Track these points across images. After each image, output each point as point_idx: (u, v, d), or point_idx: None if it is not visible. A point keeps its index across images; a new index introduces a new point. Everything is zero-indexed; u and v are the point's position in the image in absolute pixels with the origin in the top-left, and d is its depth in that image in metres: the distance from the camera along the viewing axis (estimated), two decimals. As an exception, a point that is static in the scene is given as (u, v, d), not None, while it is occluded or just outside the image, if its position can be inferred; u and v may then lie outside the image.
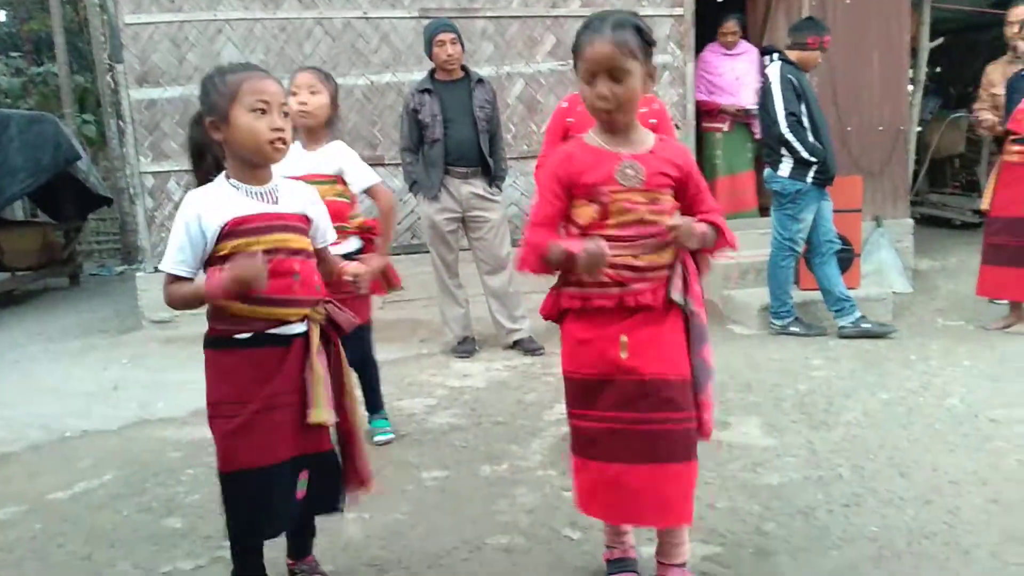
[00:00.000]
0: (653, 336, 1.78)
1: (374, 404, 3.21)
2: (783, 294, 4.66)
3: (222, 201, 1.74)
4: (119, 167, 10.07)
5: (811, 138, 4.37)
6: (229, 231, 1.71)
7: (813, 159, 4.36)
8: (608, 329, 1.79)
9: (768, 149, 4.61)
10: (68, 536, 2.46)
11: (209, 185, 1.79)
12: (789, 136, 4.36)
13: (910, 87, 6.70)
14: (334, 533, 2.36)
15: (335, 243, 2.55)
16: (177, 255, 1.75)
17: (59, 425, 3.59)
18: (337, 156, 2.85)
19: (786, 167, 4.44)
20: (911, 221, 6.31)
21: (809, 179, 4.40)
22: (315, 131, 2.86)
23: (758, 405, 3.42)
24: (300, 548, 2.04)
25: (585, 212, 1.80)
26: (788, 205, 4.51)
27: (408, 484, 2.73)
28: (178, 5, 5.10)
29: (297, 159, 2.71)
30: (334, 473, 1.90)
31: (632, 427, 1.75)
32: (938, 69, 10.24)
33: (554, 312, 1.91)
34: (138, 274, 5.44)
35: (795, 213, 4.49)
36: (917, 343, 4.39)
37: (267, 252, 1.71)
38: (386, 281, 2.97)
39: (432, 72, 4.33)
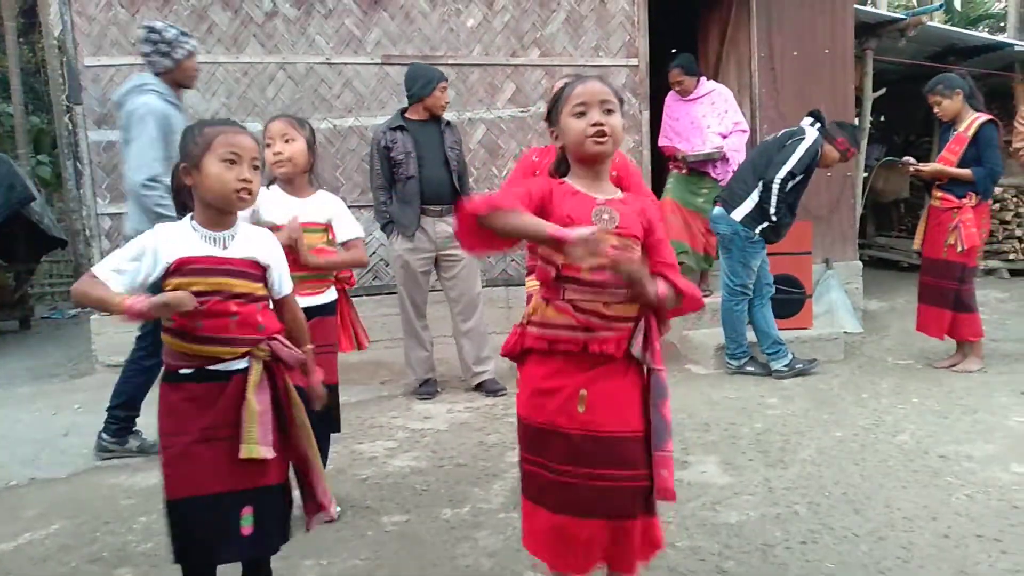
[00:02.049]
0: (611, 391, 1.78)
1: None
2: (738, 336, 4.76)
3: (178, 240, 1.83)
4: (75, 208, 9.90)
5: (786, 206, 4.48)
6: (175, 268, 1.80)
7: (773, 219, 4.47)
8: (568, 380, 1.78)
9: (732, 190, 4.69)
10: (12, 589, 2.37)
11: (176, 223, 1.89)
12: (776, 185, 4.42)
13: (856, 135, 6.97)
14: (292, 580, 2.32)
15: (316, 292, 2.71)
16: (118, 265, 1.81)
17: (4, 473, 3.46)
18: (328, 205, 2.82)
19: (742, 212, 4.55)
20: (860, 263, 6.52)
21: (758, 231, 4.53)
22: (297, 178, 2.77)
23: (716, 444, 3.47)
24: None
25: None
26: (736, 253, 4.62)
27: (368, 529, 2.69)
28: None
29: (285, 207, 2.68)
30: (279, 508, 1.92)
31: (583, 482, 1.75)
32: (882, 118, 10.70)
33: (516, 350, 1.89)
34: (92, 317, 5.32)
35: (745, 261, 4.61)
36: (868, 381, 4.51)
37: (208, 293, 1.79)
38: (355, 339, 2.95)
39: (403, 111, 4.39)
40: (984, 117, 4.45)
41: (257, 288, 1.89)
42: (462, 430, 3.85)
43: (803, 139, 4.49)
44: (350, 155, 5.42)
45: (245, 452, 1.79)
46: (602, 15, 5.73)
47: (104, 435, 3.59)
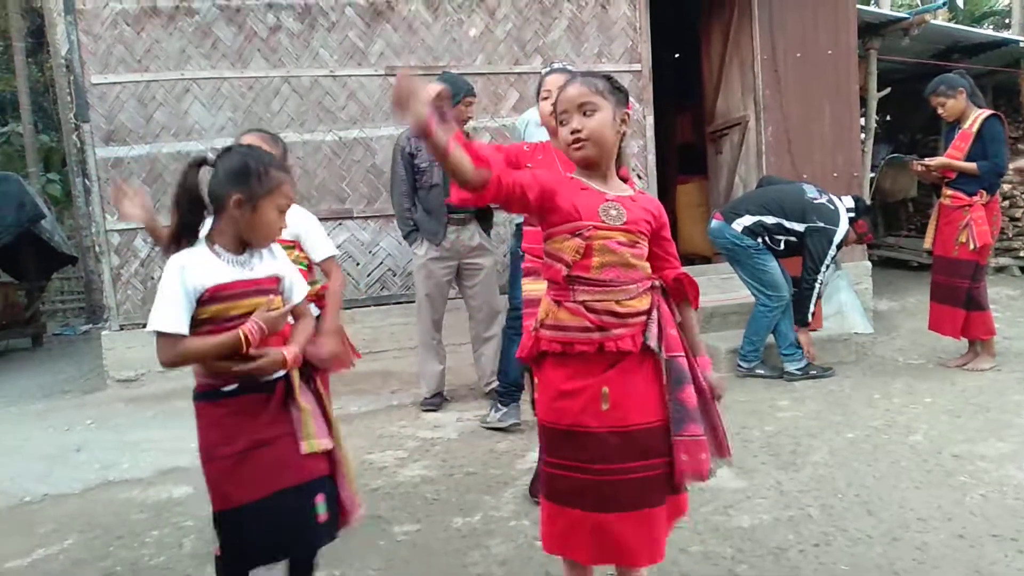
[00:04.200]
0: (632, 384, 1.78)
1: None
2: (758, 340, 4.71)
3: (204, 267, 1.83)
4: (84, 225, 9.98)
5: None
6: (210, 297, 1.81)
7: (805, 316, 4.59)
8: (589, 380, 1.78)
9: (737, 207, 4.72)
10: (27, 605, 2.39)
11: (191, 250, 1.86)
12: (817, 288, 4.58)
13: (861, 135, 6.97)
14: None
15: None
16: (175, 314, 1.79)
17: (18, 489, 3.48)
18: (296, 221, 2.59)
19: (742, 224, 4.57)
20: (869, 264, 6.49)
21: (758, 240, 4.57)
22: None
23: (728, 448, 3.45)
24: None
25: (569, 246, 1.77)
26: (746, 261, 4.61)
27: (379, 539, 2.69)
28: (145, 65, 5.15)
29: None
30: (335, 496, 1.98)
31: (614, 478, 1.75)
32: (887, 117, 10.67)
33: (532, 354, 1.88)
34: (103, 333, 5.36)
35: (760, 266, 4.58)
36: (880, 382, 4.49)
37: (244, 315, 1.83)
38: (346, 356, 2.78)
39: None
40: (988, 112, 4.45)
41: (284, 301, 1.97)
42: (472, 438, 3.84)
43: (834, 232, 4.55)
44: (355, 166, 5.44)
45: (307, 448, 1.87)
46: (604, 21, 5.75)
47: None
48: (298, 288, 2.02)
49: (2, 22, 12.62)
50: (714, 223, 4.72)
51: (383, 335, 5.39)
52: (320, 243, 2.73)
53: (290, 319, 1.98)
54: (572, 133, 1.81)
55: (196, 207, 1.86)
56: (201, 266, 1.82)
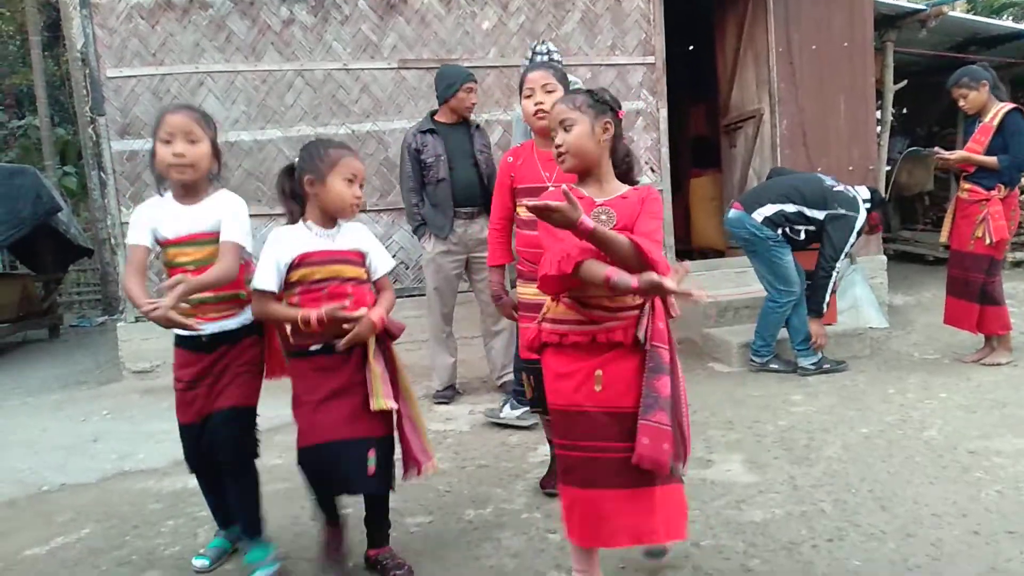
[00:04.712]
0: (623, 371, 1.91)
1: (246, 523, 2.44)
2: (769, 336, 4.68)
3: (295, 239, 2.24)
4: (100, 218, 10.07)
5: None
6: (298, 262, 2.21)
7: (820, 305, 4.54)
8: (583, 363, 1.93)
9: (756, 196, 4.66)
10: (45, 593, 2.42)
11: (288, 226, 2.29)
12: (834, 277, 4.53)
13: (877, 128, 6.90)
14: (317, 582, 2.34)
15: (226, 315, 2.32)
16: (266, 275, 2.20)
17: (36, 479, 3.53)
18: (221, 206, 2.34)
19: (762, 214, 4.51)
20: (884, 258, 6.44)
21: (778, 232, 4.51)
22: (195, 185, 2.33)
23: (740, 442, 3.45)
24: (378, 538, 2.41)
25: None
26: (763, 253, 4.56)
27: (392, 530, 2.69)
28: (159, 58, 5.18)
29: (175, 217, 2.30)
30: (390, 455, 2.31)
31: (603, 455, 1.89)
32: (904, 110, 10.57)
33: (535, 345, 2.06)
34: (119, 324, 5.40)
35: (776, 258, 4.53)
36: (894, 377, 4.46)
37: (327, 279, 2.22)
38: (275, 363, 2.48)
39: (432, 114, 4.41)
40: (1009, 106, 4.39)
41: (362, 273, 2.31)
42: (484, 431, 3.85)
43: (855, 219, 4.50)
44: (368, 160, 5.45)
45: (375, 405, 2.18)
46: (617, 14, 5.72)
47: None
48: (383, 263, 2.37)
49: (19, 16, 12.72)
50: (733, 213, 4.67)
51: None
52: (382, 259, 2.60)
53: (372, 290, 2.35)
54: (556, 148, 2.02)
55: (290, 200, 2.29)
56: (291, 238, 2.23)
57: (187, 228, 2.30)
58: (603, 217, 1.92)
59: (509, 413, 3.90)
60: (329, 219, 2.28)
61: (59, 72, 13.21)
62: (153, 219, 2.31)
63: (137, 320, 5.22)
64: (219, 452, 2.32)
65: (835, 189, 4.58)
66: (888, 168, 7.66)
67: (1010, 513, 2.57)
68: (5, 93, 13.99)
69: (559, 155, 2.01)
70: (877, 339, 5.38)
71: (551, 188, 2.35)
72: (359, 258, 2.31)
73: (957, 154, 4.54)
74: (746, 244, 4.67)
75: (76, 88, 10.21)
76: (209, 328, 2.31)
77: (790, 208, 4.52)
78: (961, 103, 4.52)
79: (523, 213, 2.53)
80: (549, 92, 2.61)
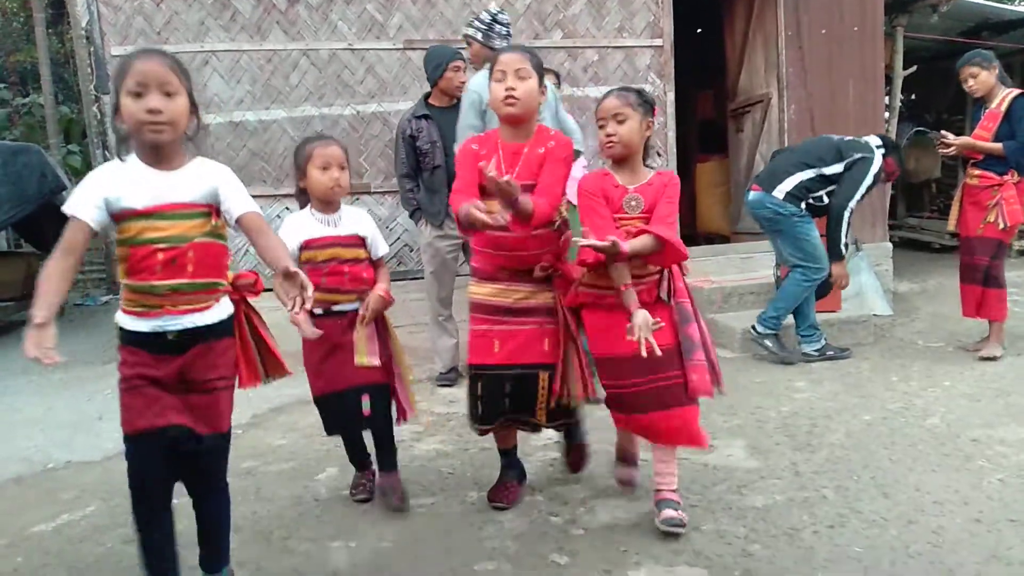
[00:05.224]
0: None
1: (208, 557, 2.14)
2: (783, 309, 4.55)
3: (300, 227, 2.60)
4: (104, 197, 10.02)
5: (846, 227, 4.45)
6: (304, 246, 2.57)
7: (838, 247, 4.43)
8: (618, 319, 2.35)
9: (772, 173, 4.56)
10: (51, 569, 2.44)
11: (299, 213, 2.68)
12: (847, 216, 4.40)
13: (886, 114, 6.85)
14: (321, 562, 2.35)
15: (201, 308, 1.91)
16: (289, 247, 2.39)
17: (42, 457, 3.55)
18: (208, 176, 1.94)
19: (783, 190, 4.42)
20: (890, 245, 6.42)
21: (802, 206, 4.42)
22: (170, 146, 1.89)
23: (742, 427, 3.45)
24: (385, 462, 2.77)
25: None
26: (788, 230, 4.46)
27: (395, 512, 2.72)
28: (164, 37, 5.14)
29: (146, 184, 1.85)
30: (385, 399, 2.70)
31: (645, 387, 2.36)
32: (913, 96, 10.48)
33: (575, 304, 2.52)
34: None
35: (803, 234, 4.43)
36: (898, 364, 4.45)
37: (328, 260, 2.57)
38: (264, 367, 2.26)
39: (426, 97, 4.37)
40: (1016, 91, 4.34)
41: (361, 253, 2.64)
42: (487, 414, 3.85)
43: (871, 161, 4.42)
44: (373, 141, 5.43)
45: (357, 360, 2.56)
46: (625, -5, 5.66)
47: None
48: (380, 247, 2.72)
49: (23, -7, 12.64)
50: (753, 194, 4.59)
51: (399, 310, 5.33)
52: (380, 242, 2.75)
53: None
54: (607, 136, 2.38)
55: (302, 195, 2.68)
56: (298, 225, 2.60)
57: (163, 197, 1.83)
58: (633, 203, 2.39)
59: None
60: (326, 205, 2.62)
61: (63, 50, 13.14)
62: (111, 187, 1.83)
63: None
64: (209, 478, 2.03)
65: (846, 139, 4.54)
66: (896, 155, 7.60)
67: (1012, 501, 2.57)
68: (9, 71, 13.93)
69: (609, 143, 2.38)
70: (881, 326, 5.37)
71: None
72: (359, 241, 2.64)
73: (961, 139, 4.49)
74: (770, 224, 4.57)
75: (80, 66, 10.14)
76: (180, 323, 1.87)
77: (808, 175, 4.43)
78: (970, 82, 4.44)
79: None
80: (522, 79, 2.42)
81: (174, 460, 1.92)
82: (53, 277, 1.81)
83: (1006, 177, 4.33)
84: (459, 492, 2.87)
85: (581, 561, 2.28)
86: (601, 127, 2.40)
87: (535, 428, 2.71)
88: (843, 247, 4.46)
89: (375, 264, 2.70)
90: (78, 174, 12.20)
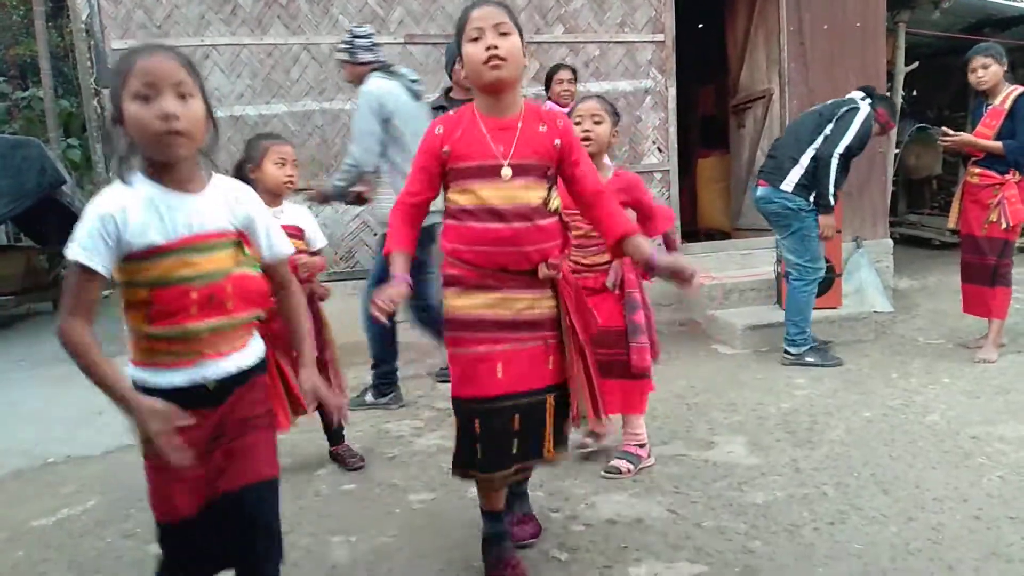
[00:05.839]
0: (599, 304, 2.62)
1: None
2: (802, 320, 4.46)
3: None
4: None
5: (839, 184, 4.36)
6: None
7: (826, 197, 4.33)
8: (591, 300, 2.47)
9: (776, 165, 4.49)
10: (51, 563, 2.44)
11: None
12: (835, 160, 4.30)
13: (887, 110, 6.81)
14: (321, 557, 2.36)
15: (240, 347, 1.62)
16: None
17: (42, 451, 3.56)
18: (239, 202, 1.65)
19: (791, 182, 4.37)
20: (891, 241, 6.41)
21: (811, 198, 4.37)
22: (188, 162, 1.55)
23: (742, 424, 3.45)
24: (334, 438, 3.19)
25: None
26: (795, 226, 4.42)
27: (395, 507, 2.72)
28: (165, 30, 5.13)
29: (171, 209, 1.50)
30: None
31: (603, 358, 2.51)
32: (914, 92, 10.46)
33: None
34: (123, 298, 5.40)
35: (806, 232, 4.40)
36: (898, 361, 4.45)
37: None
38: (291, 406, 2.65)
39: (448, 91, 4.39)
40: (1020, 89, 4.31)
41: (300, 244, 2.90)
42: (487, 410, 3.85)
43: (858, 110, 4.37)
44: (374, 136, 5.41)
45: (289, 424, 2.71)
46: (627, -10, 5.64)
47: None
48: (318, 239, 3.02)
49: (22, -14, 12.61)
50: (760, 190, 4.53)
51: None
52: (318, 236, 3.09)
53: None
54: (585, 133, 2.69)
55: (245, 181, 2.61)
56: None
57: (194, 226, 1.51)
58: None
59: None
60: (272, 198, 2.81)
61: (63, 44, 13.11)
62: (124, 221, 1.45)
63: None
64: (258, 543, 1.68)
65: (827, 103, 4.55)
66: (897, 151, 7.60)
67: (1011, 499, 2.58)
68: (8, 64, 13.91)
69: (586, 140, 2.64)
70: (881, 323, 5.37)
71: (507, 167, 1.97)
72: (298, 232, 2.92)
73: (961, 136, 4.46)
74: (778, 219, 4.51)
75: (80, 60, 10.12)
76: (221, 369, 1.56)
77: (807, 158, 4.38)
78: (980, 73, 4.38)
79: (466, 201, 2.00)
80: (504, 35, 1.98)
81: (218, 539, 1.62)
82: (101, 364, 1.53)
83: (1007, 176, 4.31)
84: (459, 487, 2.86)
85: (581, 557, 2.28)
86: (578, 124, 2.70)
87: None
88: (831, 198, 4.35)
89: (312, 255, 2.99)
90: (77, 168, 12.19)
